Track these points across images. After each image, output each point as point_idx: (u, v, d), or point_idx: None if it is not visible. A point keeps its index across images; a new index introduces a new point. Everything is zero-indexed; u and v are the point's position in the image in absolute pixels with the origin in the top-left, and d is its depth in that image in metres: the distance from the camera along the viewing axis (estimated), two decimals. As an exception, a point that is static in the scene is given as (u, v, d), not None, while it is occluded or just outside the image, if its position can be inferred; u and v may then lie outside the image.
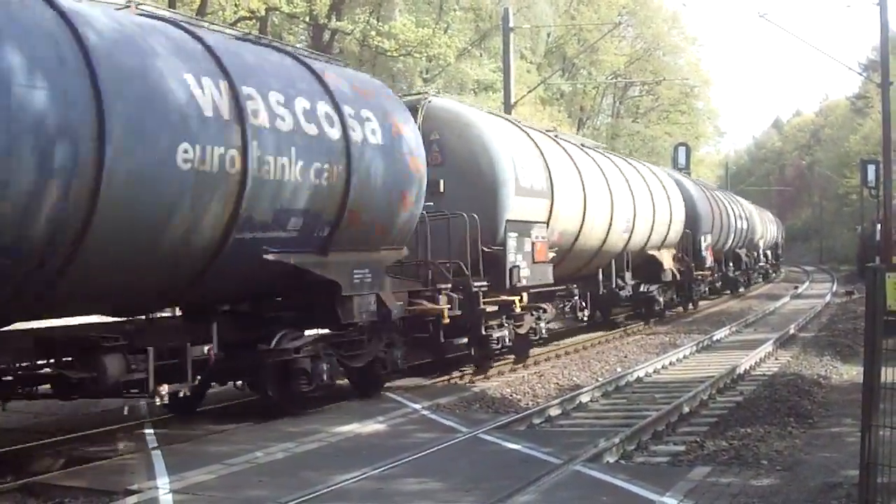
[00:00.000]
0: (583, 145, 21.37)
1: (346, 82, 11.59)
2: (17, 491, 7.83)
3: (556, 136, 19.78)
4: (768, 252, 49.39)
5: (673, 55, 62.11)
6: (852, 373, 14.24)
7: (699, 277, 28.86)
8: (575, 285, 19.37)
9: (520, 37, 41.21)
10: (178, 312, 11.13)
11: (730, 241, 35.59)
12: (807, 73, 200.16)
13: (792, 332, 21.43)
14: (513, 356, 16.39)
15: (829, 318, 26.28)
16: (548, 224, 16.26)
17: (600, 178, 19.68)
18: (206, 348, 9.67)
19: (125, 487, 7.60)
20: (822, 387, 13.25)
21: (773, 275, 52.50)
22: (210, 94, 8.96)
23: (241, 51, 10.22)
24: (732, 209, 36.81)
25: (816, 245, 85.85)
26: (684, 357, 17.50)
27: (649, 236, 23.16)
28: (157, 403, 9.61)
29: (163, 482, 7.74)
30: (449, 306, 13.15)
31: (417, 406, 11.54)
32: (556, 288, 17.39)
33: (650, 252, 23.77)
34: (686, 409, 11.58)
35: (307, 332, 11.08)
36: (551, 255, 16.32)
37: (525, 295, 15.35)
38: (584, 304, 19.74)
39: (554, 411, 11.65)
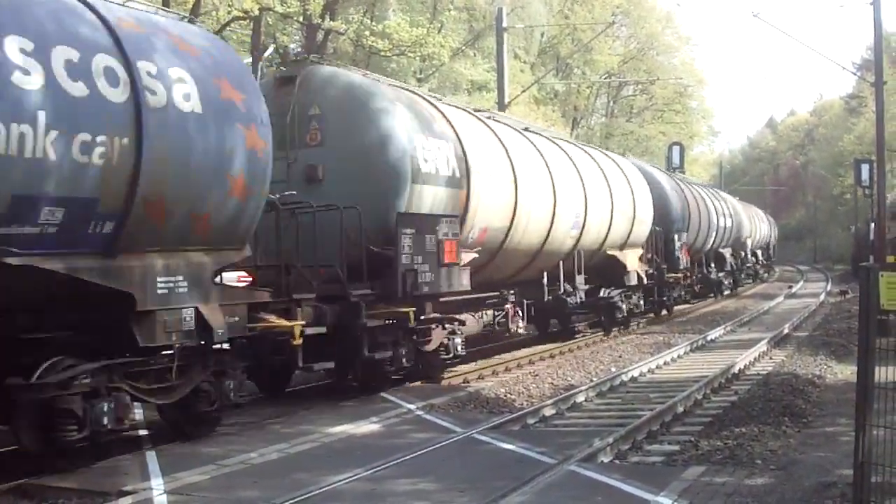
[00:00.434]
0: (527, 129, 18.91)
1: (157, 33, 9.03)
2: (10, 492, 7.80)
3: (489, 116, 17.46)
4: (758, 252, 47.82)
5: (667, 55, 62.11)
6: (846, 372, 14.25)
7: (672, 280, 26.18)
8: (512, 291, 16.89)
9: (514, 36, 41.24)
10: None
11: (711, 241, 33.59)
12: (801, 72, 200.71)
13: (786, 331, 21.44)
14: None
15: (824, 317, 26.31)
16: (463, 219, 13.82)
17: (540, 167, 17.11)
18: None
19: (119, 489, 7.61)
20: (817, 386, 13.26)
21: (766, 275, 52.05)
22: None
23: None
24: (715, 206, 34.80)
25: (811, 244, 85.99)
26: (679, 357, 17.50)
27: (607, 234, 20.45)
28: None
29: (156, 483, 7.75)
30: (304, 322, 10.73)
31: (412, 406, 11.53)
32: (483, 295, 15.43)
33: (610, 253, 21.04)
34: (680, 409, 11.58)
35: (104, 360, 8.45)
36: (471, 256, 14.06)
37: (429, 305, 13.19)
38: (520, 313, 16.87)
39: (548, 411, 11.63)
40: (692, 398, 12.24)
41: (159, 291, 8.72)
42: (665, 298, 26.05)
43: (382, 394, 12.43)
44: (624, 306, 21.74)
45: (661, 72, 55.75)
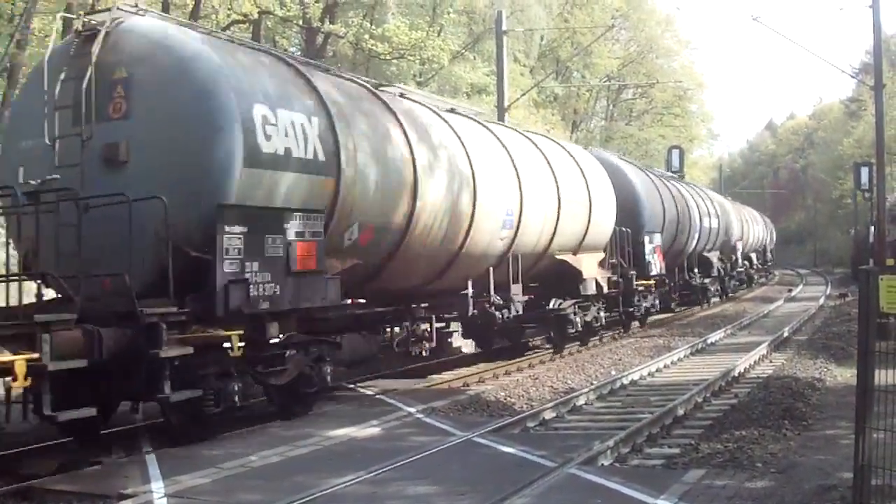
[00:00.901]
0: (453, 110, 15.61)
1: None
2: (11, 495, 7.80)
3: (401, 93, 14.34)
4: (752, 255, 44.72)
5: (666, 58, 62.22)
6: (846, 375, 14.25)
7: (642, 288, 22.61)
8: (424, 305, 14.34)
9: (513, 40, 41.26)
10: None
11: (694, 243, 30.38)
12: (800, 76, 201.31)
13: (786, 334, 21.45)
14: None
15: (823, 320, 26.33)
16: (332, 214, 10.99)
17: (455, 151, 13.90)
18: None
19: (119, 491, 7.58)
20: (817, 389, 13.26)
21: (763, 280, 51.10)
22: None
23: None
24: (698, 205, 31.40)
25: (810, 248, 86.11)
26: (679, 360, 17.51)
27: (553, 236, 17.13)
28: None
29: (157, 486, 7.72)
30: (36, 355, 7.74)
31: (412, 409, 11.52)
32: (381, 310, 13.02)
33: (560, 257, 17.78)
34: (681, 412, 11.59)
35: None
36: (350, 262, 11.40)
37: (273, 325, 10.08)
38: (427, 331, 14.03)
39: (548, 414, 11.64)
40: (692, 401, 12.25)
41: None
42: (632, 309, 22.26)
43: (382, 397, 12.40)
44: (578, 319, 18.37)
45: (661, 75, 55.90)
